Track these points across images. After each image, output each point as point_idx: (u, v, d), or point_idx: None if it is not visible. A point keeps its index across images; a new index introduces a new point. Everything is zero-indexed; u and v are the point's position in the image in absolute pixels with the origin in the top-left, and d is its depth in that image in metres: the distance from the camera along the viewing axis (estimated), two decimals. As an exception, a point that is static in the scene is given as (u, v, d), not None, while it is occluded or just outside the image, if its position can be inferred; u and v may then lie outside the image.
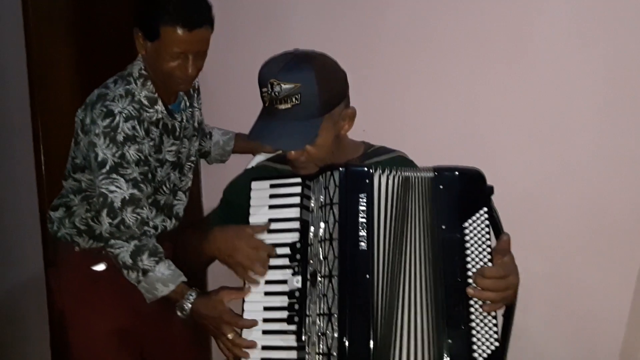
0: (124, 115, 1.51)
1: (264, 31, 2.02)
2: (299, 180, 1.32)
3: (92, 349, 1.73)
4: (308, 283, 1.24)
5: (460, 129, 1.76)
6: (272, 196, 1.34)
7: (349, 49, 1.84)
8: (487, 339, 1.16)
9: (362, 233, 1.18)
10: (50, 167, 2.54)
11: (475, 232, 1.20)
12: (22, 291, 2.84)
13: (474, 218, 1.20)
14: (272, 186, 1.34)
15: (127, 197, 1.51)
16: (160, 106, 1.59)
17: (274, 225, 1.32)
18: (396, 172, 1.24)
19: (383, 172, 1.25)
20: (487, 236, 1.20)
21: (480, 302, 1.17)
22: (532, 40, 1.64)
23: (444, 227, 1.19)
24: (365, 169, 1.24)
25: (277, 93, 1.26)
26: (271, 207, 1.33)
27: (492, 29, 1.68)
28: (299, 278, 1.26)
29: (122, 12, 2.36)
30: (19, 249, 2.83)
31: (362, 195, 1.20)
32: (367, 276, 1.16)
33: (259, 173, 1.50)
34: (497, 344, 1.16)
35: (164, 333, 1.80)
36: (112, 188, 1.50)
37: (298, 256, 1.27)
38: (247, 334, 1.29)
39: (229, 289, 1.35)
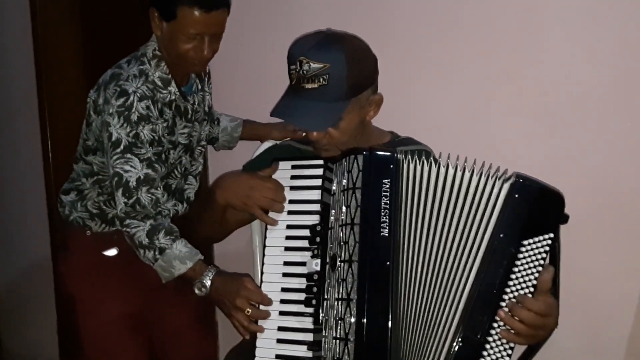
0: (138, 94, 1.50)
1: (273, 18, 2.02)
2: (321, 162, 1.30)
3: (102, 333, 1.73)
4: (327, 266, 1.23)
5: (468, 120, 1.76)
6: (293, 177, 1.32)
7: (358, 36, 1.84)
8: (497, 357, 1.14)
9: (385, 219, 1.16)
10: (57, 152, 2.55)
11: (531, 253, 1.14)
12: (29, 276, 2.85)
13: (536, 239, 1.15)
14: (294, 167, 1.33)
15: (142, 177, 1.50)
16: (173, 87, 1.59)
17: (294, 207, 1.31)
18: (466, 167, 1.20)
19: (433, 160, 1.21)
20: (542, 262, 1.15)
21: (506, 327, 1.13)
22: (540, 30, 1.64)
23: (502, 235, 1.15)
24: (390, 154, 1.21)
25: (305, 72, 1.25)
26: (292, 188, 1.32)
27: (501, 19, 1.68)
28: (318, 261, 1.25)
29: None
30: (26, 234, 2.83)
31: (385, 180, 1.18)
32: (388, 263, 1.15)
33: (281, 151, 1.49)
34: None
35: (173, 319, 1.80)
36: (127, 168, 1.49)
37: (318, 239, 1.26)
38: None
39: (253, 280, 1.34)
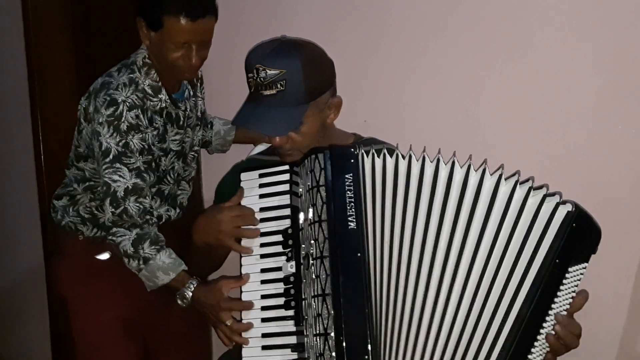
0: (127, 104, 1.51)
1: (266, 22, 2.01)
2: (286, 167, 1.33)
3: (95, 337, 1.74)
4: (302, 267, 1.25)
5: (461, 120, 1.76)
6: (261, 185, 1.35)
7: (351, 40, 1.85)
8: None
9: (351, 212, 1.18)
10: (49, 157, 2.55)
11: (570, 280, 1.18)
12: (22, 281, 2.85)
13: (576, 268, 1.18)
14: (261, 175, 1.35)
15: (130, 187, 1.51)
16: (164, 95, 1.59)
17: (265, 214, 1.32)
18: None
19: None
20: (575, 289, 1.18)
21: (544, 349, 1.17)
22: (531, 32, 1.64)
23: (557, 261, 1.16)
24: (349, 149, 1.24)
25: (262, 79, 1.27)
26: (261, 196, 1.34)
27: (492, 20, 1.68)
28: (293, 263, 1.26)
29: (121, 1, 2.35)
30: (18, 239, 2.83)
31: (348, 175, 1.20)
32: (359, 254, 1.16)
33: (248, 165, 1.50)
34: None
35: (167, 322, 1.81)
36: (115, 177, 1.50)
37: (290, 242, 1.28)
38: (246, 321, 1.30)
39: (228, 278, 1.36)
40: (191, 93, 1.72)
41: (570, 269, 1.17)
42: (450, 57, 1.75)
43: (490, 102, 1.73)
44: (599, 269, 1.63)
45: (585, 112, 1.61)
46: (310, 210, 1.24)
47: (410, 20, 1.79)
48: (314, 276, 1.21)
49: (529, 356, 1.16)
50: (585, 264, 1.19)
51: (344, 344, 1.12)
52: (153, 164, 1.59)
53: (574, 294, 1.18)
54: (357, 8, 1.86)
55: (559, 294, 1.16)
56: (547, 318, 1.16)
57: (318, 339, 1.17)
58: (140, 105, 1.53)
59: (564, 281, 1.16)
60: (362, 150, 1.24)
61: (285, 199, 1.30)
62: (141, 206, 1.52)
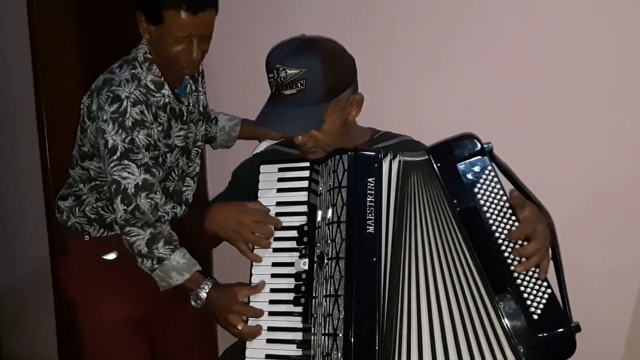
0: (131, 100, 1.49)
1: (271, 17, 2.01)
2: (307, 164, 1.33)
3: (103, 338, 1.72)
4: (315, 265, 1.25)
5: (467, 117, 1.76)
6: (280, 180, 1.35)
7: (357, 35, 1.84)
8: (537, 289, 1.18)
9: (370, 216, 1.19)
10: (54, 156, 2.54)
11: (488, 193, 1.20)
12: (28, 280, 2.85)
13: (482, 180, 1.21)
14: (280, 170, 1.36)
15: (140, 183, 1.49)
16: (167, 90, 1.58)
17: (282, 209, 1.33)
18: (397, 157, 1.26)
19: (394, 157, 1.26)
20: (501, 192, 1.21)
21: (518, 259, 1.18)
22: (537, 28, 1.64)
23: (455, 201, 1.20)
24: (374, 153, 1.24)
25: (282, 79, 1.28)
26: (279, 190, 1.35)
27: (498, 16, 1.67)
28: (306, 260, 1.27)
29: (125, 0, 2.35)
30: (24, 238, 2.83)
31: (370, 179, 1.21)
32: (374, 259, 1.17)
33: (268, 157, 1.51)
34: (549, 290, 1.18)
35: (174, 321, 1.80)
36: (125, 174, 1.48)
37: (305, 239, 1.29)
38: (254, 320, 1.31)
39: (244, 285, 1.35)
40: (193, 88, 1.71)
41: (476, 190, 1.20)
42: (455, 54, 1.74)
43: (495, 99, 1.72)
44: (606, 266, 1.64)
45: (591, 108, 1.61)
46: (330, 210, 1.24)
47: (416, 17, 1.78)
48: (327, 276, 1.21)
49: (518, 281, 1.17)
50: (487, 169, 1.21)
51: (353, 346, 1.12)
52: (160, 159, 1.58)
53: (505, 197, 1.20)
54: (363, 5, 1.85)
55: (488, 215, 1.19)
56: (499, 241, 1.18)
57: (326, 339, 1.18)
58: (144, 100, 1.51)
59: (481, 202, 1.20)
60: (391, 157, 1.26)
61: (303, 196, 1.31)
62: (152, 202, 1.51)
